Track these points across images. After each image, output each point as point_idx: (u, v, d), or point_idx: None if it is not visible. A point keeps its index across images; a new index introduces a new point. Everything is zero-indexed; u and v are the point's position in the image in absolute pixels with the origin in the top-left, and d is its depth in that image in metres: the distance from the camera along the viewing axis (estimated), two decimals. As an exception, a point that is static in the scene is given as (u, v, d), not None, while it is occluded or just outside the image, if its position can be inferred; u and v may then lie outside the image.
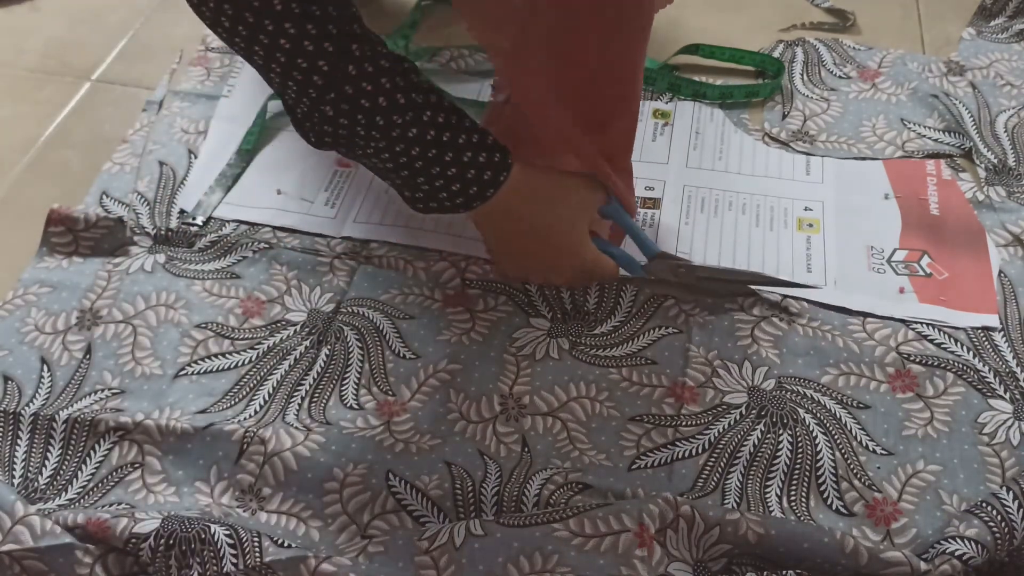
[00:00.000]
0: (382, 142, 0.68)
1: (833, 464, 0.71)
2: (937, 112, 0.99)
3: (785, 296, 0.81)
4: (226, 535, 0.63)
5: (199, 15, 0.66)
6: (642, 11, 0.73)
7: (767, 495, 0.70)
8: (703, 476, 0.71)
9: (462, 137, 0.69)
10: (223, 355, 0.78)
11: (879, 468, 0.71)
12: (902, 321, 0.80)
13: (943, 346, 0.78)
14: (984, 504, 0.66)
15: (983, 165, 0.93)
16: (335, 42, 0.65)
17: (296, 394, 0.75)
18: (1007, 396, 0.75)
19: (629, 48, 0.74)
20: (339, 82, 0.65)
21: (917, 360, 0.77)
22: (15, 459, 0.72)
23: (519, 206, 0.73)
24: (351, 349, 0.78)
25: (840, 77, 1.04)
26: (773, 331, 0.79)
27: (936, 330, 0.79)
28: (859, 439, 0.73)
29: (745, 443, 0.73)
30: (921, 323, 0.80)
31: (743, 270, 0.84)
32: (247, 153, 0.94)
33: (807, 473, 0.71)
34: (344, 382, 0.76)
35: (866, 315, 0.80)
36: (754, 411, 0.74)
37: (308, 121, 0.69)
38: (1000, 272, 0.84)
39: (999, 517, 0.65)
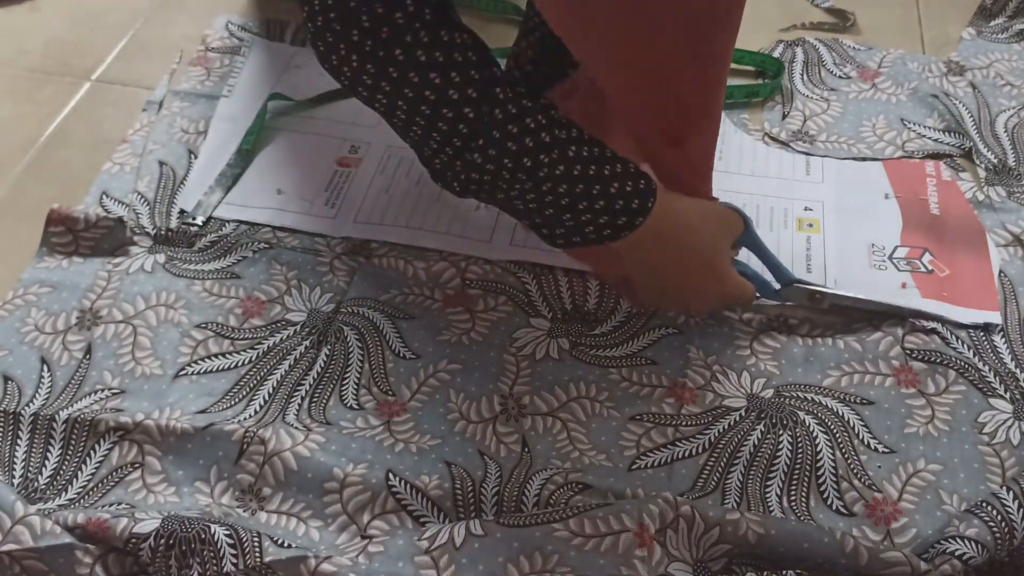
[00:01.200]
0: (528, 183, 0.67)
1: (833, 464, 0.71)
2: (937, 112, 0.99)
3: (784, 304, 0.81)
4: (226, 535, 0.63)
5: (337, 76, 0.66)
6: (731, 18, 0.70)
7: (767, 495, 0.70)
8: (703, 476, 0.71)
9: (607, 168, 0.68)
10: (223, 355, 0.78)
11: (879, 467, 0.71)
12: (904, 319, 0.80)
13: (947, 342, 0.78)
14: (984, 504, 0.66)
15: (983, 165, 0.93)
16: (479, 87, 0.64)
17: (296, 394, 0.75)
18: (1007, 396, 0.75)
19: (714, 57, 0.71)
20: (486, 127, 0.65)
21: (919, 357, 0.77)
22: (15, 459, 0.71)
23: (665, 232, 0.71)
24: (351, 349, 0.78)
25: (840, 77, 1.04)
26: (772, 343, 0.79)
27: (939, 326, 0.79)
28: (861, 436, 0.73)
29: (745, 443, 0.73)
30: (924, 320, 0.80)
31: (880, 301, 0.80)
32: (247, 153, 0.94)
33: (807, 473, 0.71)
34: (344, 382, 0.76)
35: (868, 313, 0.80)
36: (753, 413, 0.75)
37: (449, 171, 0.68)
38: (1000, 272, 0.84)
39: (999, 517, 0.65)
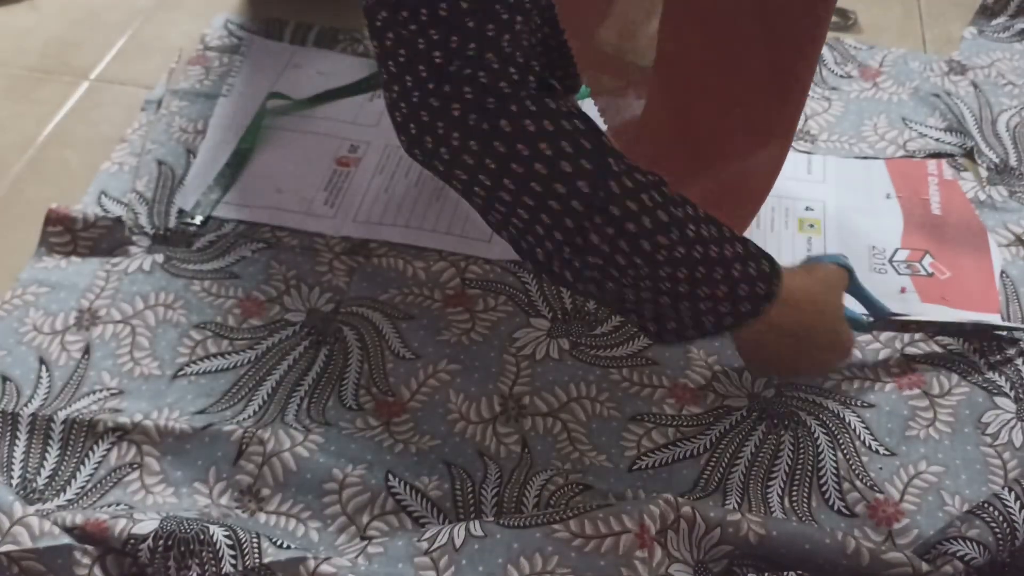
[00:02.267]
0: (645, 268, 0.60)
1: (835, 465, 0.71)
2: (939, 111, 0.99)
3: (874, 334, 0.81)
4: (225, 536, 0.63)
5: (431, 160, 0.61)
6: (817, 22, 0.68)
7: (768, 495, 0.69)
8: (704, 476, 0.71)
9: (728, 248, 0.61)
10: (222, 355, 0.78)
11: (881, 469, 0.71)
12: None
13: (948, 346, 0.78)
14: (986, 505, 0.66)
15: (985, 165, 0.93)
16: (593, 158, 0.58)
17: (295, 395, 0.75)
18: (1011, 394, 0.75)
19: (797, 76, 0.70)
20: (603, 203, 0.58)
21: (922, 360, 0.77)
22: (13, 459, 0.71)
23: (790, 313, 0.65)
24: (350, 349, 0.78)
25: (841, 76, 1.04)
26: None
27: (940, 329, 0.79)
28: (863, 438, 0.72)
29: (746, 443, 0.72)
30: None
31: (973, 322, 0.79)
32: (246, 152, 0.94)
33: (808, 474, 0.71)
34: (343, 382, 0.76)
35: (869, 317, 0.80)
36: (755, 413, 0.74)
37: (556, 260, 0.61)
38: (1002, 272, 0.84)
39: (1001, 518, 0.64)
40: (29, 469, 0.71)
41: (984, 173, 0.92)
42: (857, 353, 0.78)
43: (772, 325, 0.64)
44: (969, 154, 0.95)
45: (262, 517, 0.68)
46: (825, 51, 1.07)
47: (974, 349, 0.78)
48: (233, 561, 0.62)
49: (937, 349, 0.78)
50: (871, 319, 0.75)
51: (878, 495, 0.69)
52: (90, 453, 0.71)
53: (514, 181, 0.58)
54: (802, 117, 0.99)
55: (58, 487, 0.70)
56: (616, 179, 0.59)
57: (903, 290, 0.82)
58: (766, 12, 0.67)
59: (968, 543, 0.63)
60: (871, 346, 0.78)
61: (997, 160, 0.94)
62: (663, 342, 0.66)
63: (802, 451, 0.72)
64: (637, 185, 0.60)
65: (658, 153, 0.75)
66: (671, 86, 0.62)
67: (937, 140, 0.96)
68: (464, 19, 0.56)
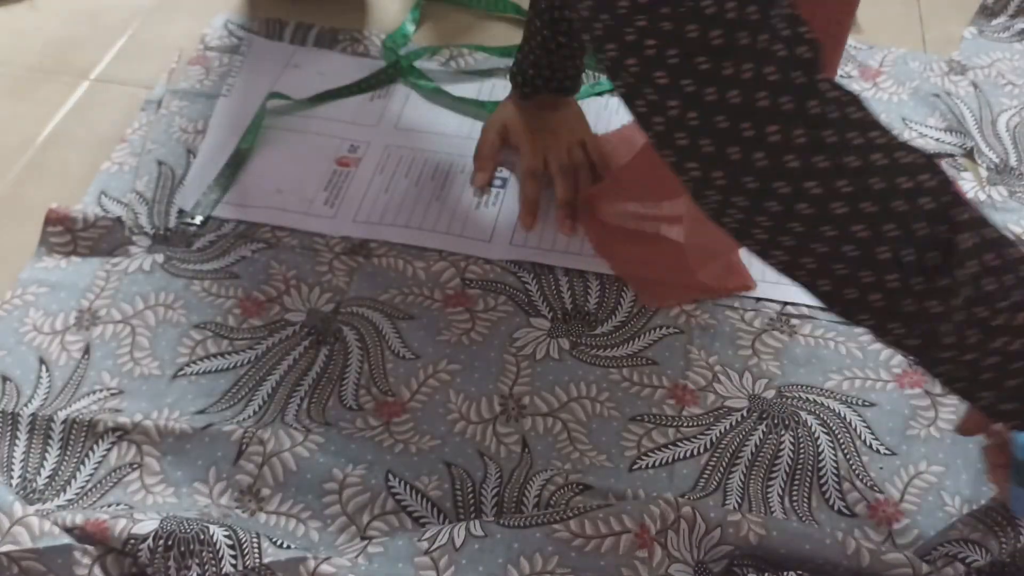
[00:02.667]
0: (1019, 290, 0.50)
1: (835, 464, 0.71)
2: (939, 111, 0.99)
3: (785, 304, 0.81)
4: (225, 536, 0.63)
5: (723, 220, 0.51)
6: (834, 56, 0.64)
7: (769, 495, 0.69)
8: (704, 476, 0.71)
9: None
10: (222, 355, 0.78)
11: (882, 468, 0.71)
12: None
13: None
14: (989, 509, 0.66)
15: (985, 165, 0.93)
16: (939, 181, 0.49)
17: (295, 395, 0.75)
18: None
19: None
20: (958, 201, 0.49)
21: None
22: (13, 459, 0.71)
23: None
24: (350, 349, 0.78)
25: (841, 76, 1.04)
26: (774, 343, 0.79)
27: None
28: (863, 438, 0.72)
29: (747, 443, 0.72)
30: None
31: None
32: (246, 152, 0.94)
33: (809, 473, 0.71)
34: (343, 382, 0.76)
35: None
36: (755, 413, 0.74)
37: (907, 295, 0.49)
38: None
39: (1003, 522, 0.64)
40: (29, 469, 0.71)
41: (984, 173, 0.93)
42: (857, 352, 0.78)
43: None
44: (969, 154, 0.95)
45: (262, 517, 0.68)
46: (825, 51, 1.07)
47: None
48: (233, 561, 0.62)
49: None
50: None
51: (878, 495, 0.69)
52: (90, 453, 0.71)
53: (850, 179, 0.48)
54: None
55: (58, 487, 0.70)
56: (963, 202, 0.49)
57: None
58: None
59: (970, 545, 0.63)
60: (872, 346, 0.78)
61: (997, 160, 0.94)
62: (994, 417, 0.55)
63: (802, 451, 0.72)
64: (980, 216, 0.50)
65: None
66: None
67: (937, 140, 0.96)
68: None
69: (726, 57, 0.46)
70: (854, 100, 0.49)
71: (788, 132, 0.47)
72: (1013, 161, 0.94)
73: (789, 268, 0.51)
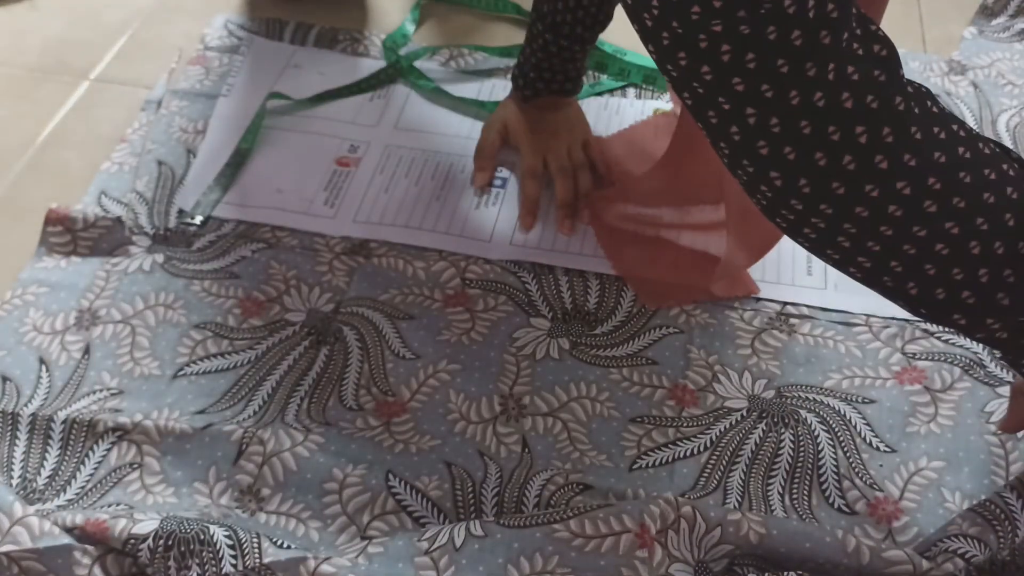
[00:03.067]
0: None
1: (835, 462, 0.71)
2: (938, 111, 0.99)
3: (785, 304, 0.81)
4: (225, 536, 0.63)
5: (798, 236, 0.50)
6: None
7: (769, 493, 0.69)
8: (704, 475, 0.71)
9: None
10: (222, 355, 0.78)
11: (881, 466, 0.71)
12: (907, 320, 0.80)
13: (950, 341, 0.78)
14: (987, 503, 0.66)
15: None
16: (1020, 169, 0.48)
17: (295, 395, 0.75)
18: (1014, 379, 0.75)
19: None
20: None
21: (924, 357, 0.77)
22: (13, 459, 0.71)
23: None
24: (350, 349, 0.78)
25: (841, 76, 1.04)
26: (773, 343, 0.79)
27: (940, 328, 0.79)
28: (863, 435, 0.72)
29: (746, 442, 0.72)
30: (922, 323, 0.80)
31: None
32: (246, 152, 0.94)
33: (808, 472, 0.71)
34: (343, 382, 0.76)
35: (869, 315, 0.80)
36: (755, 413, 0.74)
37: (1000, 289, 0.48)
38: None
39: (1002, 515, 0.64)
40: (29, 469, 0.71)
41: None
42: (857, 351, 0.78)
43: None
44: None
45: (262, 517, 0.68)
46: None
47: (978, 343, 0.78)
48: (233, 561, 0.62)
49: (939, 345, 0.78)
50: None
51: (878, 493, 0.69)
52: (90, 453, 0.71)
53: (939, 175, 0.46)
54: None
55: (58, 487, 0.70)
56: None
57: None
58: None
59: (969, 540, 0.63)
60: (871, 344, 0.78)
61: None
62: None
63: (802, 449, 0.72)
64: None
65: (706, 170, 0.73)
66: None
67: (937, 140, 0.96)
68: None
69: (808, 58, 0.44)
70: (929, 94, 0.48)
71: (876, 132, 0.45)
72: (1013, 161, 0.94)
73: (873, 275, 0.49)
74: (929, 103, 0.47)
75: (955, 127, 0.47)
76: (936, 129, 0.46)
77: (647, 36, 0.47)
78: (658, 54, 0.47)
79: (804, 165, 0.46)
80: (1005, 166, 0.47)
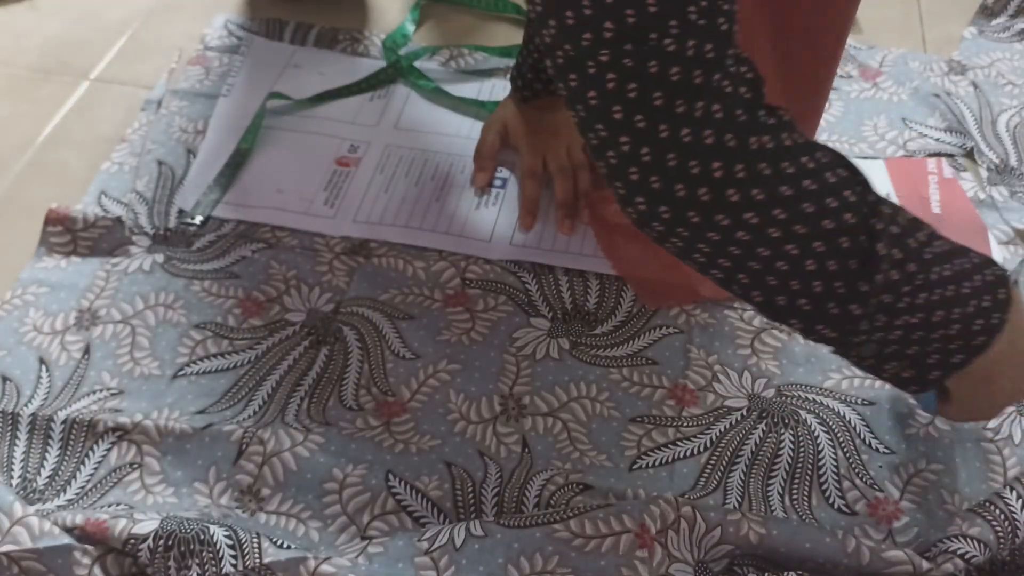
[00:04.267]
0: (920, 275, 0.54)
1: (835, 463, 0.71)
2: (939, 112, 0.99)
3: None
4: (225, 536, 0.63)
5: (686, 252, 0.54)
6: (831, 62, 0.67)
7: (769, 493, 0.69)
8: (704, 475, 0.71)
9: (966, 285, 0.55)
10: (222, 355, 0.78)
11: (881, 467, 0.71)
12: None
13: None
14: (987, 503, 0.66)
15: (985, 165, 0.93)
16: (850, 184, 0.52)
17: (295, 395, 0.75)
18: None
19: (817, 90, 0.68)
20: (876, 209, 0.53)
21: None
22: (13, 459, 0.71)
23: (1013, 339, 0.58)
24: (350, 349, 0.78)
25: (842, 76, 1.04)
26: (773, 343, 0.79)
27: None
28: (863, 436, 0.72)
29: (747, 442, 0.72)
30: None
31: None
32: (246, 152, 0.94)
33: (808, 472, 0.71)
34: (343, 382, 0.76)
35: None
36: (755, 413, 0.74)
37: (830, 299, 0.53)
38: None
39: (1002, 516, 0.65)
40: (29, 469, 0.71)
41: (984, 173, 0.92)
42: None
43: (995, 355, 0.57)
44: (969, 154, 0.95)
45: (262, 517, 0.68)
46: (825, 51, 1.07)
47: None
48: (233, 561, 0.62)
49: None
50: None
51: (878, 493, 0.69)
52: (90, 453, 0.71)
53: (784, 207, 0.51)
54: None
55: (58, 487, 0.70)
56: (880, 203, 0.53)
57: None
58: (784, 65, 0.66)
59: (969, 541, 0.63)
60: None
61: (997, 160, 0.94)
62: (922, 389, 0.60)
63: (802, 449, 0.72)
64: (895, 208, 0.54)
65: None
66: None
67: (937, 140, 0.96)
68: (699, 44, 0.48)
69: (681, 95, 0.47)
70: (788, 126, 0.52)
71: (730, 168, 0.49)
72: (1013, 161, 0.94)
73: (726, 282, 0.55)
74: (785, 136, 0.51)
75: (804, 159, 0.51)
76: (785, 164, 0.50)
77: (547, 52, 0.50)
78: (555, 70, 0.50)
79: (666, 195, 0.50)
80: (847, 192, 0.52)
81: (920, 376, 0.59)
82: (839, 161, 0.54)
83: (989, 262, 0.58)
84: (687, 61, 0.47)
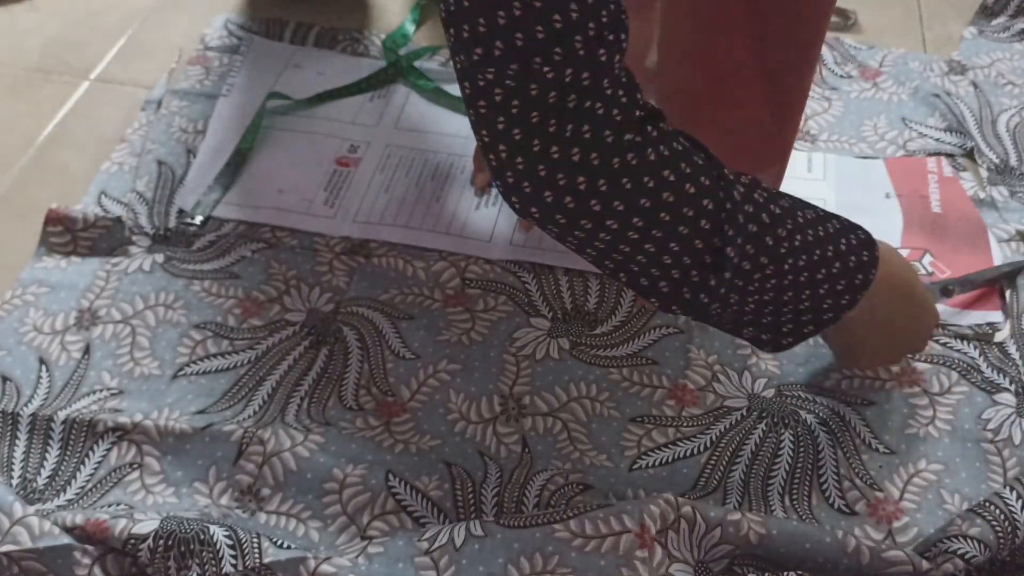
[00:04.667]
0: (771, 265, 0.59)
1: (835, 463, 0.71)
2: (939, 112, 0.99)
3: None
4: (225, 536, 0.63)
5: (545, 222, 0.58)
6: (810, 56, 0.70)
7: (769, 494, 0.69)
8: (704, 475, 0.71)
9: (831, 225, 0.62)
10: (222, 355, 0.78)
11: (881, 467, 0.71)
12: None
13: (948, 344, 0.78)
14: (987, 503, 0.66)
15: (985, 165, 0.93)
16: (708, 172, 0.57)
17: (295, 395, 0.75)
18: (1012, 389, 0.75)
19: (796, 88, 0.71)
20: (732, 216, 0.57)
21: (922, 358, 0.77)
22: (13, 460, 0.71)
23: (884, 297, 0.65)
24: (350, 349, 0.78)
25: (841, 76, 1.04)
26: None
27: (940, 328, 0.79)
28: (863, 436, 0.72)
29: (747, 442, 0.72)
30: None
31: (1002, 265, 0.82)
32: (246, 152, 0.94)
33: (808, 472, 0.71)
34: (343, 382, 0.76)
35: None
36: (755, 413, 0.74)
37: (685, 286, 0.59)
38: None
39: (1002, 516, 0.64)
40: (29, 469, 0.71)
41: (984, 174, 0.92)
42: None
43: (868, 312, 0.65)
44: (969, 154, 0.95)
45: (262, 517, 0.68)
46: (825, 51, 1.07)
47: (974, 347, 0.78)
48: (233, 561, 0.62)
49: (936, 347, 0.78)
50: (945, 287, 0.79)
51: (878, 493, 0.69)
52: (90, 453, 0.71)
53: (643, 216, 0.56)
54: (802, 117, 0.99)
55: (58, 487, 0.70)
56: (736, 189, 0.58)
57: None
58: (761, 48, 0.68)
59: (969, 541, 0.63)
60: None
61: (997, 160, 0.94)
62: (776, 350, 0.66)
63: (802, 449, 0.72)
64: (752, 184, 0.60)
65: None
66: (671, 118, 0.62)
67: (937, 140, 0.96)
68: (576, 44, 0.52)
69: (554, 115, 0.52)
70: (656, 140, 0.56)
71: (593, 183, 0.54)
72: (1013, 161, 0.94)
73: (597, 264, 0.61)
74: (651, 151, 0.55)
75: (667, 172, 0.56)
76: (646, 179, 0.55)
77: (451, 53, 0.54)
78: (456, 72, 0.54)
79: (537, 199, 0.56)
80: (706, 201, 0.57)
81: (775, 340, 0.65)
82: (703, 170, 0.58)
83: (854, 227, 0.64)
84: (564, 87, 0.51)
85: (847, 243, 0.63)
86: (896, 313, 0.68)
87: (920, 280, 0.70)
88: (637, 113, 0.55)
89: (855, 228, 0.64)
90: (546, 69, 0.50)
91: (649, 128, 0.56)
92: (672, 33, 0.72)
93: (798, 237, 0.60)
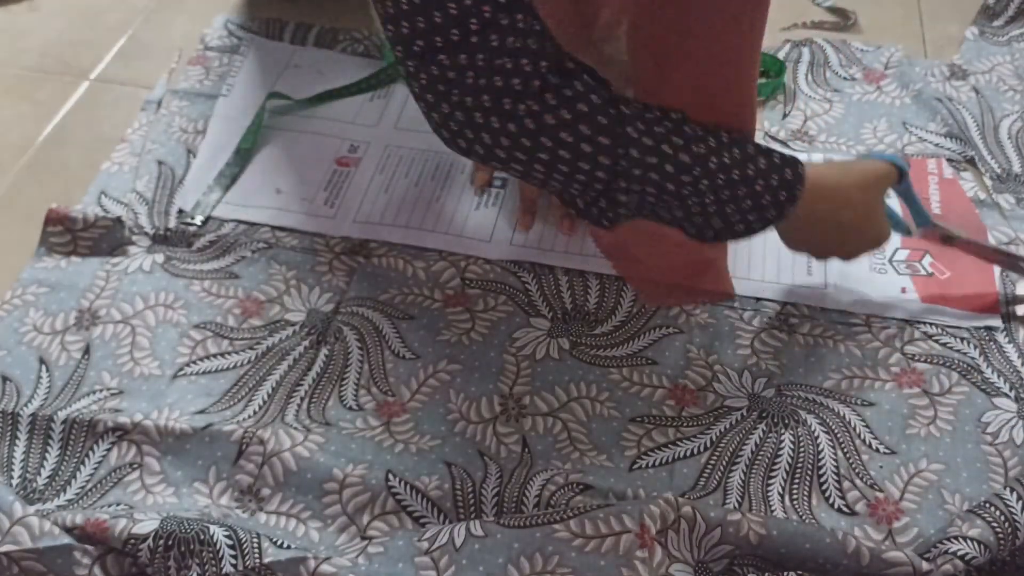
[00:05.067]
0: (675, 202, 0.66)
1: (835, 463, 0.71)
2: (940, 116, 0.99)
3: (785, 304, 0.81)
4: (225, 536, 0.63)
5: (470, 154, 0.65)
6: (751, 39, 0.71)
7: (769, 494, 0.69)
8: (705, 475, 0.71)
9: (750, 167, 0.67)
10: (222, 355, 0.78)
11: (881, 467, 0.71)
12: (906, 321, 0.80)
13: (948, 345, 0.78)
14: (987, 504, 0.66)
15: (988, 174, 0.93)
16: (610, 133, 0.63)
17: (295, 394, 0.75)
18: (1011, 395, 0.75)
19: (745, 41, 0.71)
20: (625, 171, 0.64)
21: (922, 359, 0.77)
22: (13, 459, 0.71)
23: (821, 212, 0.71)
24: (350, 349, 0.78)
25: (845, 79, 1.04)
26: (773, 343, 0.79)
27: (941, 329, 0.79)
28: (863, 437, 0.72)
29: (747, 442, 0.72)
30: (926, 323, 0.80)
31: (997, 246, 0.84)
32: (246, 152, 0.94)
33: (809, 472, 0.71)
34: (343, 382, 0.76)
35: (869, 316, 0.80)
36: (755, 413, 0.74)
37: (604, 199, 0.66)
38: (1003, 272, 0.84)
39: (1002, 517, 0.64)
40: (29, 469, 0.71)
41: (989, 182, 0.92)
42: (856, 351, 0.78)
43: (804, 217, 0.70)
44: (969, 161, 0.95)
45: (262, 517, 0.68)
46: (831, 52, 1.07)
47: (974, 347, 0.78)
48: (233, 561, 0.62)
49: (937, 348, 0.78)
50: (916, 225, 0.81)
51: (878, 493, 0.69)
52: (90, 453, 0.71)
53: (544, 164, 0.64)
54: (802, 118, 0.99)
55: (58, 487, 0.70)
56: (636, 146, 0.64)
57: (903, 290, 0.82)
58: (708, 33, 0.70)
59: (969, 542, 0.63)
60: (871, 344, 0.78)
61: (1000, 169, 0.93)
62: (706, 241, 0.70)
63: (802, 449, 0.72)
64: (657, 139, 0.64)
65: None
66: (646, 95, 0.68)
67: (936, 145, 0.96)
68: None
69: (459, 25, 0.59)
70: (575, 82, 0.63)
71: (515, 107, 0.61)
72: (1017, 168, 0.93)
73: (524, 177, 0.66)
74: (566, 88, 0.62)
75: (580, 105, 0.62)
76: (563, 112, 0.62)
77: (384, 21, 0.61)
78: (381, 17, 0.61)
79: (459, 134, 0.63)
80: (603, 138, 0.63)
81: (700, 237, 0.70)
82: (608, 104, 0.63)
83: (782, 155, 0.69)
84: (468, 10, 0.58)
85: (765, 184, 0.67)
86: (819, 234, 0.74)
87: (856, 213, 0.74)
88: (542, 64, 0.61)
89: (784, 168, 0.68)
90: (451, 5, 0.58)
91: (570, 81, 0.62)
92: None
93: (705, 182, 0.65)
